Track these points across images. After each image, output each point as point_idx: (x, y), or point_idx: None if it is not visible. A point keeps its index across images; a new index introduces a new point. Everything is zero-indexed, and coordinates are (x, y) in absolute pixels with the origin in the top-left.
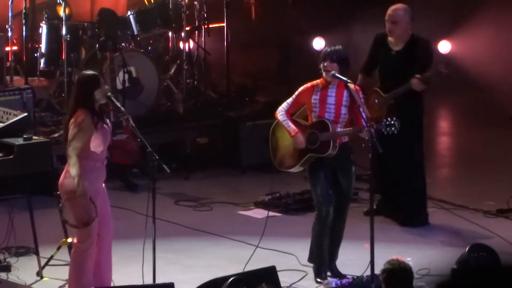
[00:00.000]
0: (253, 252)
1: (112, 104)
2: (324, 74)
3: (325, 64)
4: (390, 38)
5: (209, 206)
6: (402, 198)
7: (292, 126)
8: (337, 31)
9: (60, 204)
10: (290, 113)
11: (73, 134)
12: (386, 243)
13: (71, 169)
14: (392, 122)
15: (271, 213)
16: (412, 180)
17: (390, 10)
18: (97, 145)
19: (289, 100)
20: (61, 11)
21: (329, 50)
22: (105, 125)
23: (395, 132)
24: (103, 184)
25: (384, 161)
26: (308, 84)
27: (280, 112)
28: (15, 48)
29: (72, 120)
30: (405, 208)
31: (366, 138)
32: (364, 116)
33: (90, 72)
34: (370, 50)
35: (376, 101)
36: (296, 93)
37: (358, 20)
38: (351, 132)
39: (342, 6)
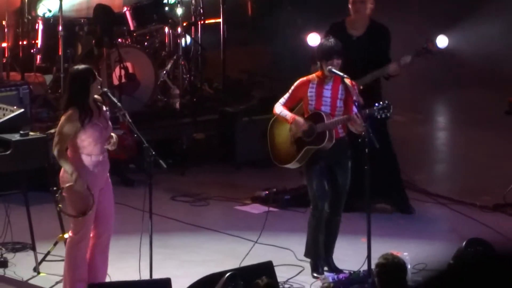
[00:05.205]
0: (251, 248)
1: (108, 99)
2: (326, 70)
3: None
4: (349, 25)
5: (206, 201)
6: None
7: (289, 114)
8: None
9: (57, 195)
10: (287, 107)
11: (56, 132)
12: (383, 237)
13: (63, 166)
14: (385, 105)
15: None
16: (387, 169)
17: None
18: (88, 143)
19: (286, 95)
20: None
21: (335, 47)
22: (97, 122)
23: (388, 115)
24: (109, 179)
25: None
26: (304, 78)
27: (277, 106)
28: (11, 44)
29: (61, 118)
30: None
31: (357, 131)
32: (356, 103)
33: (83, 66)
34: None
35: None
36: (292, 87)
37: None
38: (345, 119)
39: (336, 0)
